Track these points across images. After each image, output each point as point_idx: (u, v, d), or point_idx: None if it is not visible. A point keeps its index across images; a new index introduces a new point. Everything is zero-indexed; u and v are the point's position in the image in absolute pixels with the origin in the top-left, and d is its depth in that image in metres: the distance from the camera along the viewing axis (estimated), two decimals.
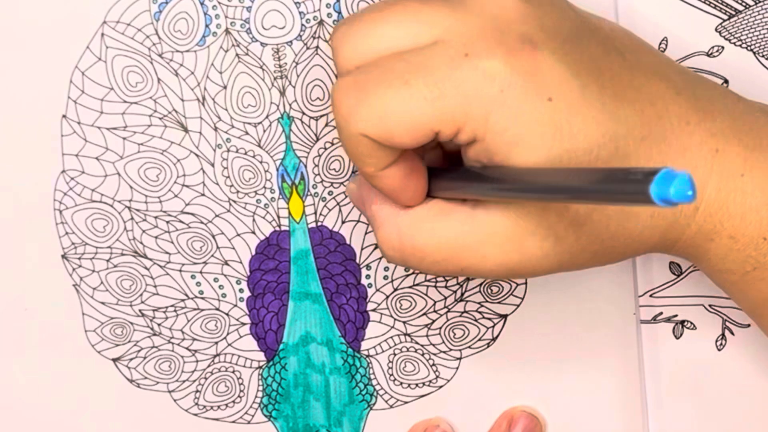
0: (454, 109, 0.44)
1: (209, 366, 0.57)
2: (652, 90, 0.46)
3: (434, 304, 0.57)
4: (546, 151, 0.44)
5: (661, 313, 0.57)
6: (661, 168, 0.36)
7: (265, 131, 0.54)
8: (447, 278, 0.56)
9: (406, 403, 0.58)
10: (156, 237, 0.55)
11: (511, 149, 0.44)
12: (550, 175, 0.41)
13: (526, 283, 0.57)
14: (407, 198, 0.47)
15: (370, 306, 0.57)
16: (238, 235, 0.55)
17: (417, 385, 0.58)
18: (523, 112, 0.44)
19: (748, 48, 0.54)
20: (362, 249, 0.56)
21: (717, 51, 0.54)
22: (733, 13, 0.53)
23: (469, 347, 0.57)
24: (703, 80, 0.49)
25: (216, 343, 0.57)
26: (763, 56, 0.54)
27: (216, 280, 0.56)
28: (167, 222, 0.55)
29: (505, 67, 0.43)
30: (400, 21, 0.45)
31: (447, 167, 0.48)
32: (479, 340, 0.57)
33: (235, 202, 0.55)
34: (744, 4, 0.53)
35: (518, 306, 0.57)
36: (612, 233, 0.46)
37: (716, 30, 0.53)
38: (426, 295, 0.57)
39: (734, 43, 0.54)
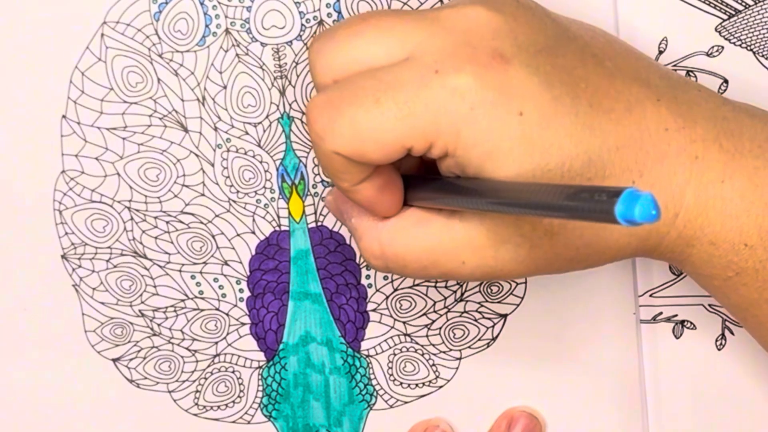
0: (424, 126, 0.44)
1: (209, 366, 0.57)
2: (631, 97, 0.46)
3: (434, 305, 0.57)
4: (517, 166, 0.44)
5: (660, 313, 0.57)
6: (624, 188, 0.36)
7: (265, 131, 0.54)
8: None
9: (406, 403, 0.58)
10: (156, 237, 0.55)
11: (482, 164, 0.44)
12: (521, 190, 0.42)
13: (525, 283, 0.57)
14: (383, 210, 0.48)
15: (370, 306, 0.57)
16: (238, 235, 0.55)
17: (417, 385, 0.58)
18: (493, 128, 0.44)
19: (748, 48, 0.54)
20: None
21: (717, 51, 0.54)
22: (733, 12, 0.53)
23: (469, 347, 0.57)
24: (687, 84, 0.49)
25: (216, 343, 0.57)
26: (762, 56, 0.54)
27: (216, 280, 0.56)
28: (167, 222, 0.55)
29: (475, 83, 0.44)
30: (374, 37, 0.45)
31: (424, 175, 0.49)
32: (479, 340, 0.57)
33: (235, 202, 0.55)
34: (744, 3, 0.53)
35: (518, 306, 0.57)
36: (587, 242, 0.47)
37: (716, 30, 0.53)
38: (426, 295, 0.57)
39: (734, 43, 0.54)
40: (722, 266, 0.48)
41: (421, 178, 0.48)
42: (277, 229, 0.55)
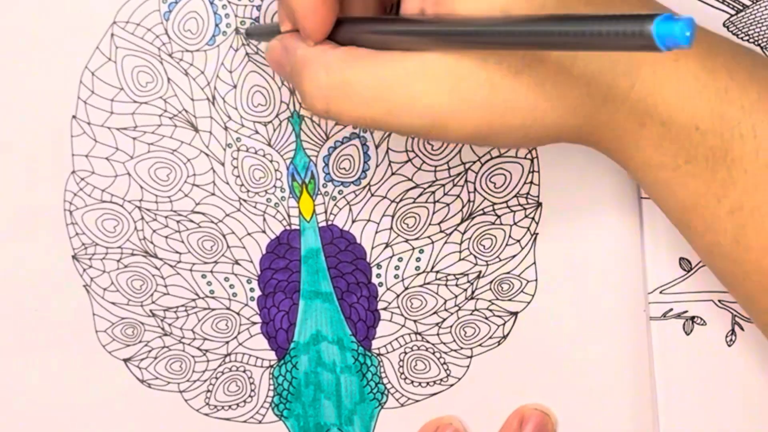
0: None
1: (220, 365, 0.57)
2: None
3: (445, 303, 0.57)
4: None
5: (671, 310, 0.57)
6: (660, 14, 0.35)
7: (275, 130, 0.54)
8: (457, 277, 0.56)
9: (417, 401, 0.58)
10: (166, 237, 0.55)
11: None
12: (519, 24, 0.39)
13: (536, 281, 0.57)
14: (317, 22, 0.45)
15: (380, 305, 0.57)
16: (249, 234, 0.55)
17: (428, 383, 0.58)
18: None
19: (756, 42, 0.54)
20: (373, 248, 0.56)
21: None
22: (741, 8, 0.53)
23: (480, 345, 0.57)
24: None
25: (227, 342, 0.57)
26: None
27: (227, 279, 0.56)
28: (177, 222, 0.55)
29: None
30: None
31: (381, 15, 0.46)
32: (490, 338, 0.57)
33: (245, 201, 0.55)
34: None
35: (528, 303, 0.57)
36: (548, 93, 0.44)
37: (724, 25, 0.53)
38: (436, 293, 0.57)
39: (742, 38, 0.54)
40: (672, 153, 0.47)
41: (376, 17, 0.45)
42: (288, 228, 0.55)
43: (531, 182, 0.56)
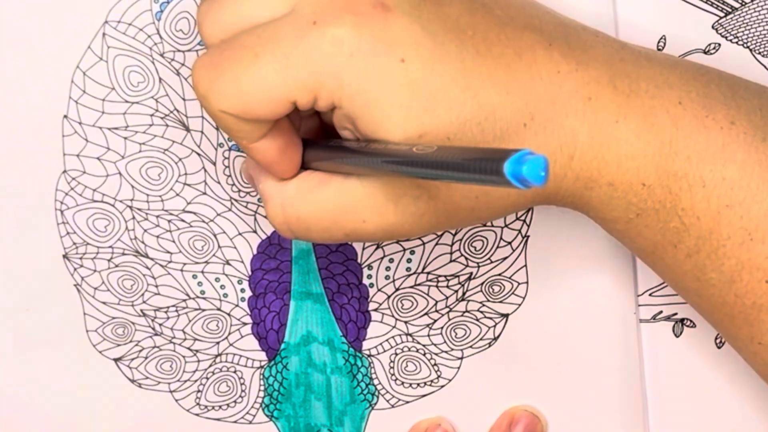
0: (305, 77, 0.44)
1: (211, 366, 0.57)
2: (522, 43, 0.46)
3: (436, 304, 0.57)
4: (405, 113, 0.44)
5: (660, 312, 0.57)
6: (514, 150, 0.36)
7: None
8: (448, 278, 0.57)
9: (407, 402, 0.58)
10: (157, 236, 0.55)
11: (367, 112, 0.44)
12: (415, 154, 0.41)
13: (527, 283, 0.57)
14: (282, 170, 0.47)
15: (371, 306, 0.57)
16: (240, 234, 0.55)
17: (418, 384, 0.58)
18: (375, 75, 0.44)
19: (745, 45, 0.54)
20: (364, 249, 0.56)
21: (714, 48, 0.54)
22: (730, 10, 0.54)
23: (471, 347, 0.57)
24: (584, 30, 0.48)
25: (217, 342, 0.57)
26: (759, 53, 0.54)
27: (217, 279, 0.56)
28: (169, 221, 0.55)
29: (354, 31, 0.43)
30: None
31: (323, 139, 0.48)
32: (481, 339, 0.57)
33: (236, 201, 0.55)
34: (740, 1, 0.53)
35: (519, 305, 0.57)
36: (484, 189, 0.46)
37: (713, 27, 0.54)
38: (427, 294, 0.57)
39: (731, 41, 0.54)
40: (623, 208, 0.47)
41: (321, 142, 0.48)
42: None
43: None
